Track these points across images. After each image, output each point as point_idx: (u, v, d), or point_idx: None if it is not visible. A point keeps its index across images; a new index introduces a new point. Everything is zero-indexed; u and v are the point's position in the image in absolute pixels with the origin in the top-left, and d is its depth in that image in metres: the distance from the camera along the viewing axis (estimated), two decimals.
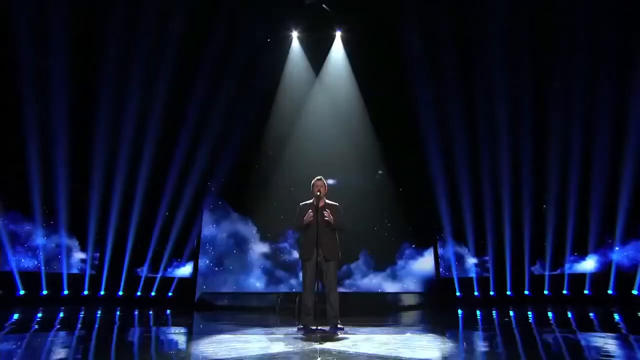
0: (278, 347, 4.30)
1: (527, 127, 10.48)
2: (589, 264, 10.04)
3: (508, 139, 10.51)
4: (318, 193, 5.63)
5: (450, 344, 4.59)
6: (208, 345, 4.52)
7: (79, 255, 10.34)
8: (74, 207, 10.12)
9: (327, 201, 5.79)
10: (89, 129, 10.27)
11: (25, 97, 9.54)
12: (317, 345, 4.38)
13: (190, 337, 5.49)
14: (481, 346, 4.72)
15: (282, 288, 10.20)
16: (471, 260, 10.88)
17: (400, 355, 3.87)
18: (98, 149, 10.29)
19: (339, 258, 5.68)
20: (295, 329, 5.67)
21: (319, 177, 5.81)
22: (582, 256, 10.08)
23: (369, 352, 4.03)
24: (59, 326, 6.40)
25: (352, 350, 4.14)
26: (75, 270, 10.25)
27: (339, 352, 4.04)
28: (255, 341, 4.71)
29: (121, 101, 10.46)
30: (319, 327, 5.41)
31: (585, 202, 9.92)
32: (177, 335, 5.71)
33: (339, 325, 5.49)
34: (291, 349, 4.20)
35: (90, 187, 10.22)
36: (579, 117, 10.11)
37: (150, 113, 10.55)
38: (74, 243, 10.30)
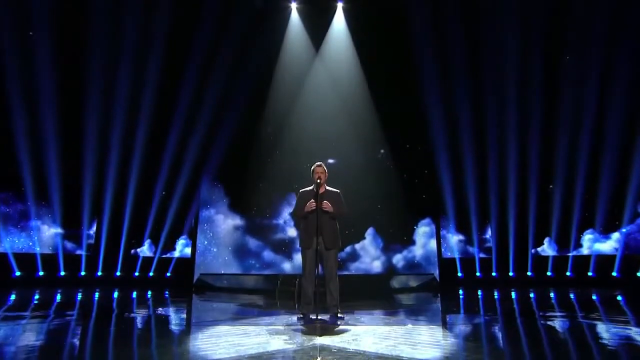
0: (277, 343, 4.13)
1: (536, 103, 10.09)
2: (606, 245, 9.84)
3: (515, 115, 10.15)
4: (318, 180, 5.36)
5: (451, 339, 4.43)
6: (207, 340, 4.35)
7: (74, 235, 10.16)
8: (68, 186, 9.87)
9: (327, 188, 5.55)
10: (80, 105, 9.92)
11: (11, 73, 9.16)
12: (317, 341, 4.22)
13: (189, 328, 5.31)
14: (482, 339, 4.58)
15: (281, 270, 10.07)
16: (474, 241, 10.72)
17: (401, 355, 3.70)
18: (90, 126, 9.95)
19: (339, 246, 5.52)
20: (295, 317, 5.54)
21: (319, 163, 5.53)
22: (606, 234, 9.83)
23: (369, 350, 3.86)
24: (52, 314, 6.23)
25: (352, 347, 3.98)
26: (71, 251, 10.08)
27: (339, 350, 3.87)
28: (254, 334, 4.55)
29: (114, 77, 10.08)
30: (319, 317, 5.24)
31: (594, 182, 9.64)
32: (176, 326, 5.55)
33: (339, 315, 5.37)
34: (291, 346, 4.03)
35: (83, 166, 9.93)
36: (591, 92, 9.70)
37: (145, 87, 10.17)
38: (69, 223, 10.11)
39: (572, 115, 9.85)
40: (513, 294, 9.08)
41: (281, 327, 4.94)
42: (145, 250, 10.44)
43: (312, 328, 4.91)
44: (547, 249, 10.33)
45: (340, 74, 10.81)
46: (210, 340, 4.31)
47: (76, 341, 4.40)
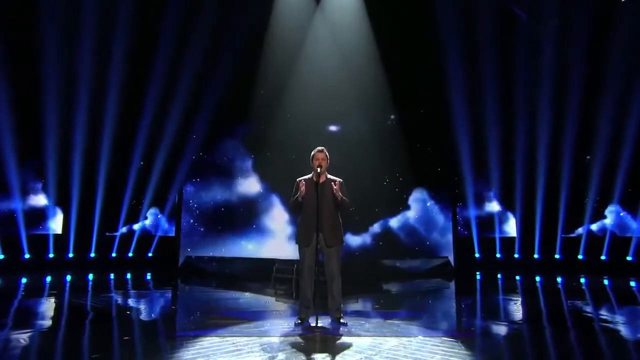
0: None
1: (575, 61, 8.68)
2: None
3: (549, 78, 8.82)
4: (319, 168, 4.62)
5: None
6: None
7: (40, 213, 8.98)
8: (28, 154, 8.67)
9: (328, 176, 4.78)
10: (43, 66, 8.57)
11: None
12: None
13: (173, 343, 4.16)
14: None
15: (276, 253, 8.91)
16: (494, 218, 9.66)
17: None
18: (54, 87, 8.63)
19: (342, 242, 4.73)
20: (292, 323, 4.62)
21: (320, 147, 4.76)
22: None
23: None
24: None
25: None
26: (37, 231, 8.91)
27: None
28: (246, 351, 3.66)
29: (81, 33, 8.75)
30: (318, 324, 4.36)
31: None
32: (157, 338, 4.40)
33: (341, 321, 4.57)
34: None
35: (45, 127, 8.65)
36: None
37: (118, 45, 8.87)
38: (34, 198, 8.95)
39: (619, 77, 8.43)
40: (538, 278, 8.12)
41: (277, 341, 4.02)
42: (120, 228, 9.32)
43: (312, 340, 4.09)
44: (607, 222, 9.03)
45: (344, 28, 9.52)
46: None
47: None
